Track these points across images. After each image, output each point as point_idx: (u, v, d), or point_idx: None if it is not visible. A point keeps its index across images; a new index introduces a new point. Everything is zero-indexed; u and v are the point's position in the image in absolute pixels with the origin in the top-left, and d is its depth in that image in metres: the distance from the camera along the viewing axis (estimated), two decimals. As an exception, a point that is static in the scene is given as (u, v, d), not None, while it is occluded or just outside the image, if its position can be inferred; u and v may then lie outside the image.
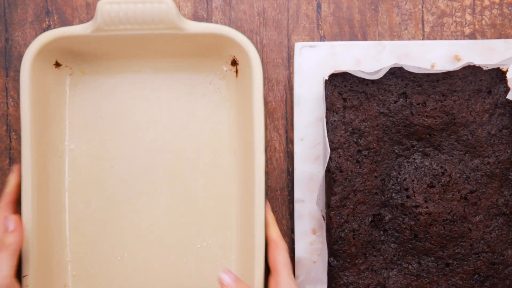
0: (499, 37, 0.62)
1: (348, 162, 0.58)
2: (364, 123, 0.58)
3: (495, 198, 0.58)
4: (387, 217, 0.58)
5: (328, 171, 0.58)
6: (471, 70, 0.58)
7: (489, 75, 0.58)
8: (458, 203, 0.58)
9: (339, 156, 0.58)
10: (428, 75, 0.58)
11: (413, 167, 0.59)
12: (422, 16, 0.63)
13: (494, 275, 0.58)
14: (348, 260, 0.58)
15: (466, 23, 0.62)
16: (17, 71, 0.62)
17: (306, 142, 0.61)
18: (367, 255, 0.58)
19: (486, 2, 0.62)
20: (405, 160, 0.59)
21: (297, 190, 0.61)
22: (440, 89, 0.58)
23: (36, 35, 0.62)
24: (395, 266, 0.59)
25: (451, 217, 0.58)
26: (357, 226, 0.58)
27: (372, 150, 0.58)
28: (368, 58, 0.61)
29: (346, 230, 0.58)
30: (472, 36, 0.62)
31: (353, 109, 0.58)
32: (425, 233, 0.58)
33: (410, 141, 0.59)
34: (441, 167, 0.58)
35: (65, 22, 0.62)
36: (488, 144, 0.58)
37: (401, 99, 0.58)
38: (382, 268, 0.59)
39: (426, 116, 0.58)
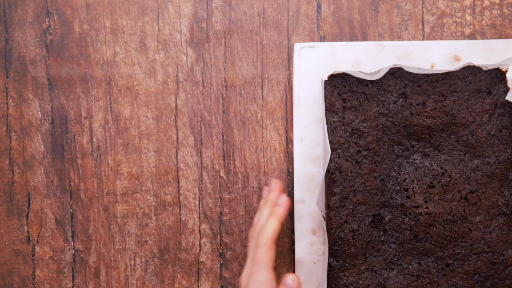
0: (499, 37, 0.62)
1: (348, 162, 0.58)
2: (363, 124, 0.58)
3: (495, 198, 0.58)
4: (387, 217, 0.58)
5: (327, 171, 0.58)
6: (471, 71, 0.58)
7: (489, 75, 0.58)
8: (458, 203, 0.58)
9: (339, 157, 0.58)
10: (427, 75, 0.58)
11: (413, 167, 0.59)
12: (422, 17, 0.62)
13: (494, 275, 0.58)
14: (348, 261, 0.58)
15: (466, 24, 0.62)
16: (17, 71, 0.63)
17: (306, 142, 0.61)
18: (367, 256, 0.58)
19: (486, 3, 0.62)
20: (405, 161, 0.59)
21: (297, 191, 0.61)
22: (440, 89, 0.58)
23: (36, 35, 0.62)
24: (395, 267, 0.59)
25: (451, 217, 0.58)
26: (357, 226, 0.58)
27: (371, 151, 0.58)
28: (368, 59, 0.61)
29: (345, 231, 0.58)
30: (472, 37, 0.62)
31: (353, 109, 0.58)
32: (425, 234, 0.58)
33: (410, 142, 0.59)
34: (441, 168, 0.58)
35: (65, 22, 0.63)
36: (488, 144, 0.58)
37: (400, 100, 0.58)
38: (382, 268, 0.59)
39: (426, 116, 0.58)
